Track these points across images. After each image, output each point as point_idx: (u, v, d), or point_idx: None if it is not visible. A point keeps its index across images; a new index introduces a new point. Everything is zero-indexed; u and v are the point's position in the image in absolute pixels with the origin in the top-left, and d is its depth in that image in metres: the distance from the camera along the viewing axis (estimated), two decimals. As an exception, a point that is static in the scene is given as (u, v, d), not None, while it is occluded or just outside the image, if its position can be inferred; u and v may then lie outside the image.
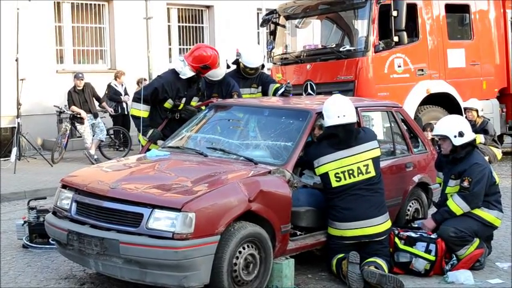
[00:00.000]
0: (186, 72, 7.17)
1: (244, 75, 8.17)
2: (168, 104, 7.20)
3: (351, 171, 5.78)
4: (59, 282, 5.72)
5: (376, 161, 5.89)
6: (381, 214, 5.81)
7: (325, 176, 5.82)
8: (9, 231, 7.48)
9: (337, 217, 5.77)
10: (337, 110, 5.86)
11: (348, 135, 5.85)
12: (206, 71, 7.30)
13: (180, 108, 7.25)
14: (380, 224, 5.78)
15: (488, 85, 12.02)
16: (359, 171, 5.79)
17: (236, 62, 8.28)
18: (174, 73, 7.26)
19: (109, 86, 14.32)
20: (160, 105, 7.23)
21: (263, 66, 8.50)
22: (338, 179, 5.77)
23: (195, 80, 7.33)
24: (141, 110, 7.12)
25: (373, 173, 5.83)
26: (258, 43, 16.92)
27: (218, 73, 7.71)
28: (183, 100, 7.24)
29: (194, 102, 7.41)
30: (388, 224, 5.88)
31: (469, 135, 6.21)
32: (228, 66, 8.06)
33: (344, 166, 5.78)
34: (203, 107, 7.23)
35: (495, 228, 6.33)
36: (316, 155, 5.87)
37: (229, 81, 7.80)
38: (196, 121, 6.75)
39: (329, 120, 5.87)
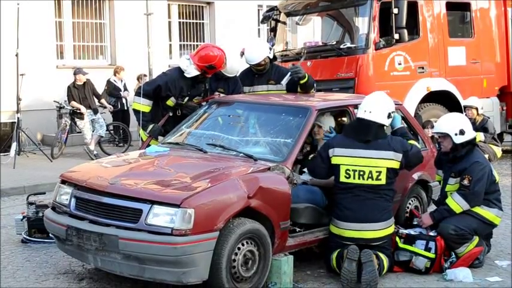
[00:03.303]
0: (191, 71, 7.13)
1: (256, 72, 7.91)
2: (171, 101, 7.16)
3: (361, 173, 5.72)
4: (57, 277, 5.71)
5: (391, 171, 5.75)
6: (383, 219, 5.73)
7: (336, 168, 5.78)
8: (8, 226, 7.48)
9: (339, 215, 5.75)
10: (367, 105, 5.87)
11: (366, 131, 5.77)
12: (212, 71, 7.22)
13: (182, 105, 7.21)
14: (380, 230, 5.71)
15: (489, 83, 12.00)
16: (369, 175, 5.71)
17: None
18: (179, 71, 7.22)
19: (108, 81, 14.30)
20: (162, 102, 7.21)
21: (275, 58, 8.24)
22: (347, 176, 5.73)
23: (200, 80, 7.29)
24: (142, 104, 7.10)
25: (383, 181, 5.72)
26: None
27: (235, 69, 7.58)
28: (186, 99, 7.21)
29: (196, 100, 7.36)
30: (389, 230, 5.79)
31: (470, 134, 6.19)
32: None
33: (357, 165, 5.72)
34: (204, 103, 7.20)
35: (495, 226, 6.32)
36: (335, 144, 5.83)
37: (237, 80, 7.64)
38: (196, 117, 6.73)
39: (357, 111, 5.97)
